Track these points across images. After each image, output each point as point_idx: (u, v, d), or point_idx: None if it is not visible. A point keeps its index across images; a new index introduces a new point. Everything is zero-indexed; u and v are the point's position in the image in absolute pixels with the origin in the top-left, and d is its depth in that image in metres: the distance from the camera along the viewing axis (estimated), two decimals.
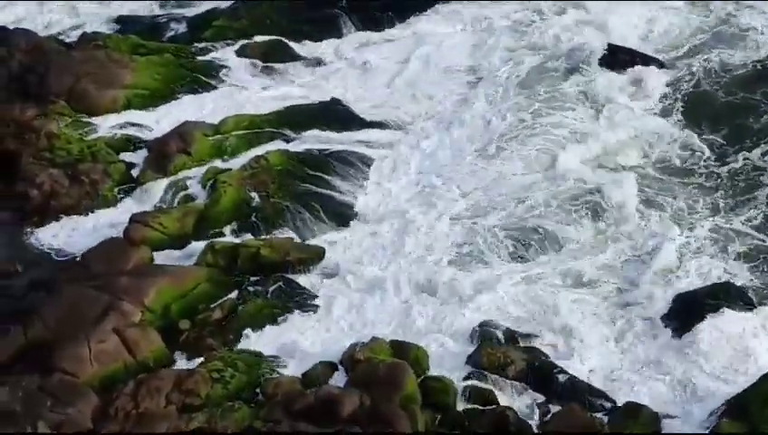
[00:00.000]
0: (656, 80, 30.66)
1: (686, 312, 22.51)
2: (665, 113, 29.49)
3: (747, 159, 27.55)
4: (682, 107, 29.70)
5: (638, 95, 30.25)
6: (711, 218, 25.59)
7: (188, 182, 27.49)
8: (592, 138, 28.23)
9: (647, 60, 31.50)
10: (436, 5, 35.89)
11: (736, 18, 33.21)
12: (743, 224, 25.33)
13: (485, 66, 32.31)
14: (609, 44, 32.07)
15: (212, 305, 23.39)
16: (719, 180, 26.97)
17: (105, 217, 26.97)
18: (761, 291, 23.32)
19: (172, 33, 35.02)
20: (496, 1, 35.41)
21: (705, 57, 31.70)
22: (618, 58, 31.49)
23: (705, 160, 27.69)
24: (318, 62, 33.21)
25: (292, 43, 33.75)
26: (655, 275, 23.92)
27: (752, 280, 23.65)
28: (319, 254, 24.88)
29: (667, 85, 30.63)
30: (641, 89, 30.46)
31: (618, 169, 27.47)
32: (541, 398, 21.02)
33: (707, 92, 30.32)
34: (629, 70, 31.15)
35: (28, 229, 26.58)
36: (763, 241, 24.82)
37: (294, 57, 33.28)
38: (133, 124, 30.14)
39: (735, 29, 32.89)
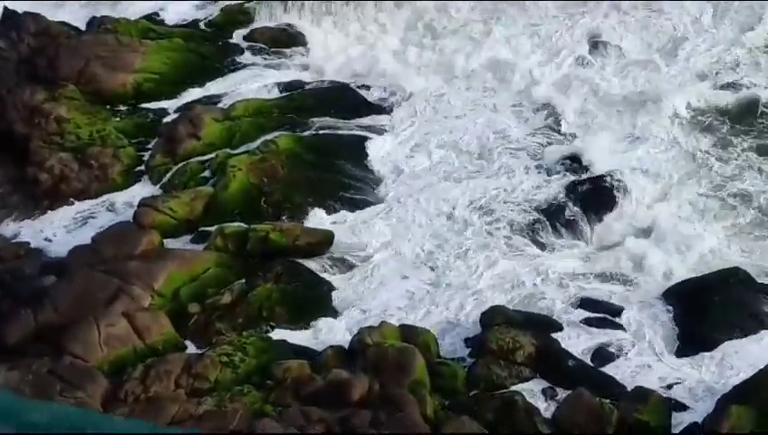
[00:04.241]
0: None
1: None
2: None
3: None
4: None
5: None
6: None
7: (198, 167, 27.47)
8: None
9: None
10: None
11: None
12: None
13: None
14: None
15: (221, 290, 23.42)
16: None
17: (114, 201, 27.01)
18: None
19: (182, 17, 34.95)
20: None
21: None
22: None
23: None
24: (329, 48, 33.09)
25: (301, 28, 33.67)
26: None
27: None
28: (328, 238, 24.88)
29: None
30: None
31: None
32: (549, 383, 21.06)
33: None
34: None
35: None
36: None
37: (304, 42, 33.21)
38: (143, 108, 30.17)
39: None
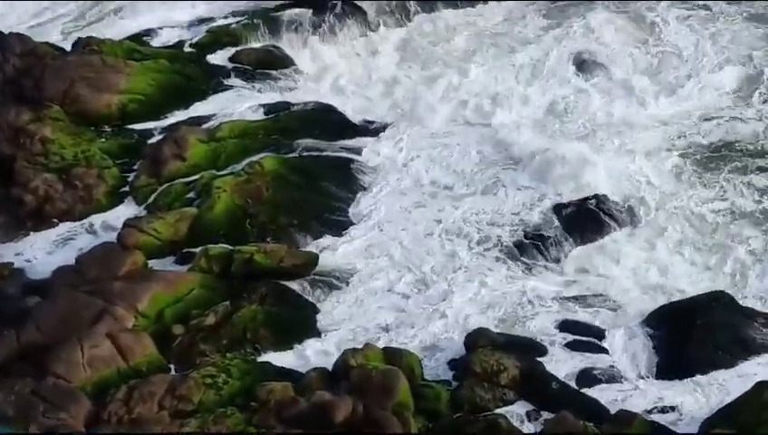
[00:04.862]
0: None
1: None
2: None
3: None
4: None
5: None
6: None
7: (183, 187, 27.43)
8: None
9: None
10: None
11: None
12: None
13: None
14: None
15: (206, 311, 23.35)
16: None
17: (98, 221, 26.96)
18: None
19: (167, 38, 34.99)
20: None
21: None
22: None
23: None
24: (314, 70, 33.18)
25: (286, 50, 33.75)
26: None
27: None
28: (313, 259, 24.86)
29: None
30: None
31: None
32: (533, 405, 21.04)
33: None
34: None
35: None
36: None
37: (290, 64, 33.28)
38: (127, 129, 30.14)
39: None
